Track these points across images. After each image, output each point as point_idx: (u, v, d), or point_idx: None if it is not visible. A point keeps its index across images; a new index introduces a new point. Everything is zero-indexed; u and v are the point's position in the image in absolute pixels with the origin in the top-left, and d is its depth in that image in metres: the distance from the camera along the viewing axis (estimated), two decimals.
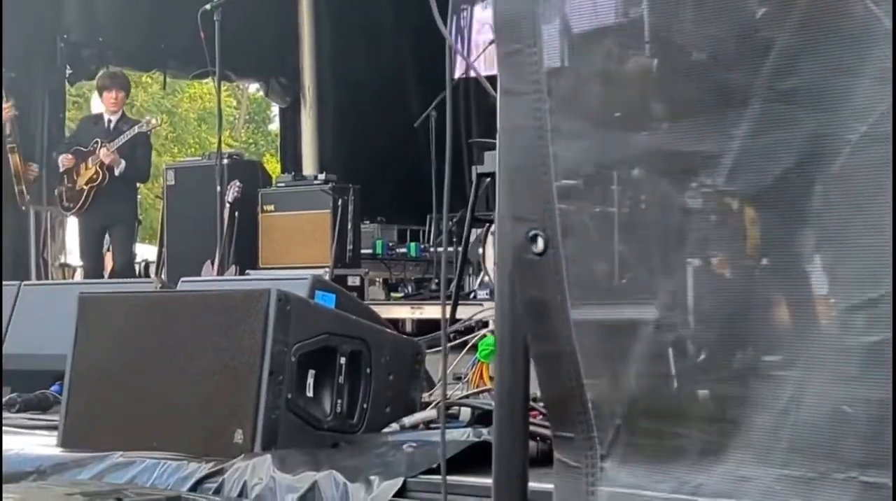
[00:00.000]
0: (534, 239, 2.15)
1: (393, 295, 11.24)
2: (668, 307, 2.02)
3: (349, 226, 10.48)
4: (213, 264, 9.51)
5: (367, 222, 11.51)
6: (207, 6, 8.25)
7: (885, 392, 1.76)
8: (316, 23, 13.40)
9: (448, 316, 5.37)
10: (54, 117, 11.29)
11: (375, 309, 5.59)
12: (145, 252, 14.26)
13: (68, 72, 11.59)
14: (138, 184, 10.34)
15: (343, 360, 4.10)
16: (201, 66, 11.25)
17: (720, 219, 1.98)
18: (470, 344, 4.52)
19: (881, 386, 1.77)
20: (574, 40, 2.12)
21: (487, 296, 8.66)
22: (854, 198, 1.80)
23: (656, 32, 2.03)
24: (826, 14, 1.82)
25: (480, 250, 9.13)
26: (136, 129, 9.41)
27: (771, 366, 1.93)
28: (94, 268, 9.75)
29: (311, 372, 4.02)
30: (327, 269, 9.96)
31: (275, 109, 12.43)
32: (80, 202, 9.48)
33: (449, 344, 3.64)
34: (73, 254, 11.17)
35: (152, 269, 12.03)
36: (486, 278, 9.16)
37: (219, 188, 8.88)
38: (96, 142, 9.48)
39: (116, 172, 9.44)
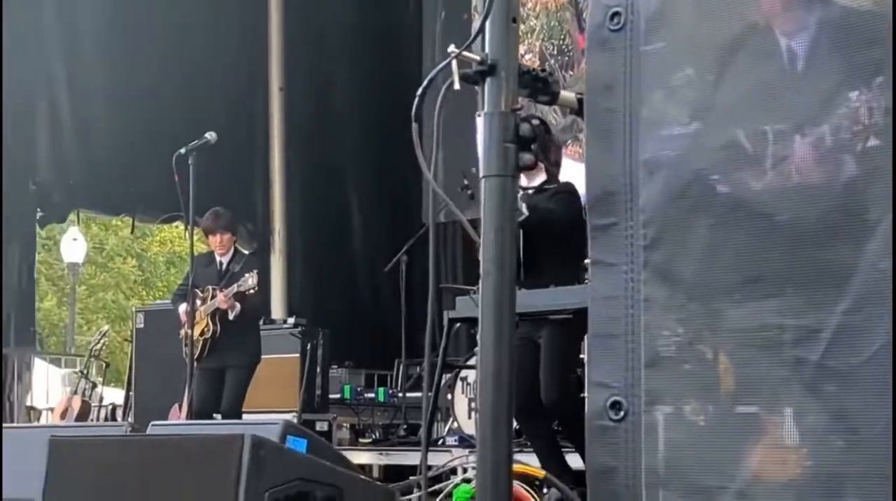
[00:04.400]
0: (614, 405, 2.17)
1: (361, 440, 11.17)
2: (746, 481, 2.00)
3: (318, 371, 10.45)
4: (180, 408, 9.42)
5: (336, 367, 11.50)
6: (182, 150, 8.31)
7: None
8: (286, 168, 13.54)
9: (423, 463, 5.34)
10: (25, 260, 11.15)
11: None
12: (112, 395, 14.16)
13: (39, 214, 11.49)
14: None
15: None
16: (169, 211, 11.33)
17: (809, 394, 1.98)
18: (444, 493, 4.49)
19: None
20: (672, 214, 2.15)
21: (456, 443, 8.63)
22: None
23: (761, 208, 2.06)
24: None
25: (449, 396, 9.11)
26: (235, 288, 8.82)
27: None
28: (206, 411, 9.02)
29: None
30: (295, 414, 9.91)
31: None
32: (198, 353, 8.97)
33: (423, 492, 3.63)
34: (38, 397, 11.02)
35: (119, 413, 11.94)
36: (455, 424, 9.13)
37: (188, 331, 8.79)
38: (207, 289, 9.08)
39: (231, 316, 9.00)
